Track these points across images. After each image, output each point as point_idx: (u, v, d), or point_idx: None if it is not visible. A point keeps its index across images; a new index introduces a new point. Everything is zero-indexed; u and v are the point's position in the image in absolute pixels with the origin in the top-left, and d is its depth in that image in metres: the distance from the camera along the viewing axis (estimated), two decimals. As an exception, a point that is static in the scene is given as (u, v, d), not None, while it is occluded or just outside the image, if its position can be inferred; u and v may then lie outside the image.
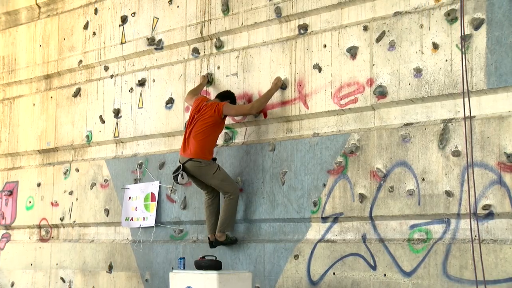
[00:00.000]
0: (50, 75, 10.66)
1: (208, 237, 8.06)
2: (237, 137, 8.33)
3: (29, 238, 10.72)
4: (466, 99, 6.44)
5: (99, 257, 9.62)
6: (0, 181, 11.20)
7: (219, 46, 8.58)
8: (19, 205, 10.84)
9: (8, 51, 11.30)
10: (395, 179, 6.91)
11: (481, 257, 6.20)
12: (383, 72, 7.09)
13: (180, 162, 7.91)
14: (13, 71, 11.18)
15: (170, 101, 8.98)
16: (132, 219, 9.23)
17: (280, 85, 7.84)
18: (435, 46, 6.75)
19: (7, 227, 11.01)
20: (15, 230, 10.94)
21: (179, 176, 7.83)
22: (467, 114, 6.45)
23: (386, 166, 6.99)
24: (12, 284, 10.71)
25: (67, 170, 10.20)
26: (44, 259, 10.37)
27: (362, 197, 7.12)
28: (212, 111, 7.85)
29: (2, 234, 11.13)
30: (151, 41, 9.27)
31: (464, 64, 6.51)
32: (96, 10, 10.06)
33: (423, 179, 6.72)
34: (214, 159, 7.98)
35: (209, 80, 8.58)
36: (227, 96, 8.09)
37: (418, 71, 6.84)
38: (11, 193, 10.95)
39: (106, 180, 9.66)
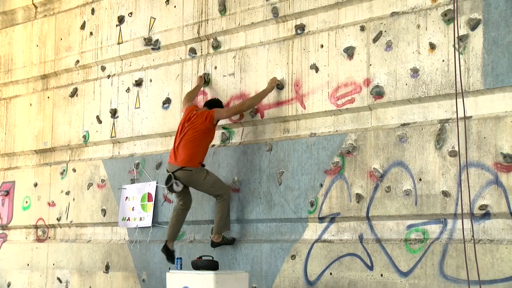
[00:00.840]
0: (47, 75, 10.64)
1: (166, 244, 8.09)
2: (234, 137, 8.33)
3: (26, 238, 10.70)
4: (460, 100, 6.45)
5: (96, 257, 9.61)
6: (-3, 181, 11.22)
7: (216, 46, 8.58)
8: (15, 205, 10.82)
9: (5, 51, 11.28)
10: (392, 179, 6.91)
11: (476, 257, 6.21)
12: (380, 72, 7.09)
13: (169, 171, 7.90)
14: (9, 71, 11.16)
15: (167, 101, 8.97)
16: (129, 219, 9.22)
17: (276, 85, 7.83)
18: (432, 46, 6.75)
19: (4, 227, 10.99)
20: (11, 230, 10.92)
21: (173, 185, 7.83)
22: (462, 115, 6.45)
23: (383, 166, 6.99)
24: (9, 285, 10.70)
25: (64, 170, 10.19)
26: (41, 259, 10.35)
27: (359, 197, 7.12)
28: (203, 119, 7.84)
29: (-1, 234, 11.14)
30: (148, 41, 9.27)
31: (458, 64, 6.51)
32: (93, 10, 10.05)
33: (420, 179, 6.72)
34: (203, 165, 7.97)
35: (206, 80, 8.57)
36: (214, 104, 8.09)
37: (415, 71, 6.84)
38: (7, 193, 10.94)
39: (103, 180, 9.65)
